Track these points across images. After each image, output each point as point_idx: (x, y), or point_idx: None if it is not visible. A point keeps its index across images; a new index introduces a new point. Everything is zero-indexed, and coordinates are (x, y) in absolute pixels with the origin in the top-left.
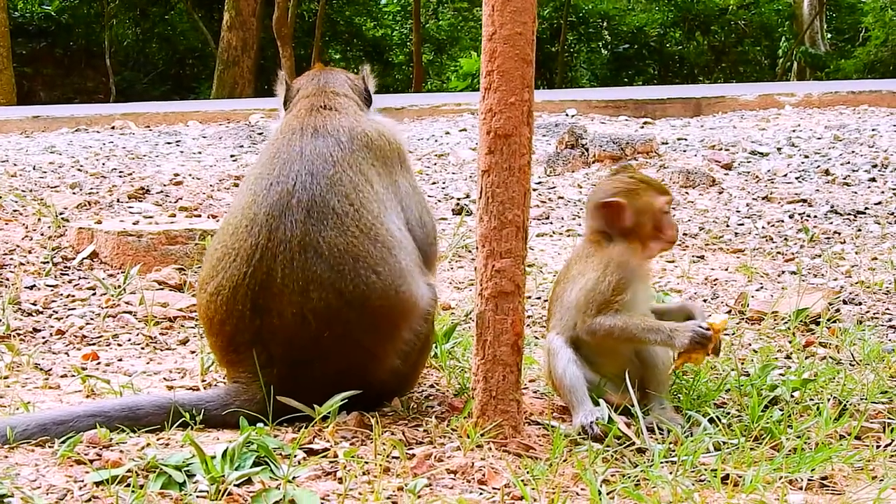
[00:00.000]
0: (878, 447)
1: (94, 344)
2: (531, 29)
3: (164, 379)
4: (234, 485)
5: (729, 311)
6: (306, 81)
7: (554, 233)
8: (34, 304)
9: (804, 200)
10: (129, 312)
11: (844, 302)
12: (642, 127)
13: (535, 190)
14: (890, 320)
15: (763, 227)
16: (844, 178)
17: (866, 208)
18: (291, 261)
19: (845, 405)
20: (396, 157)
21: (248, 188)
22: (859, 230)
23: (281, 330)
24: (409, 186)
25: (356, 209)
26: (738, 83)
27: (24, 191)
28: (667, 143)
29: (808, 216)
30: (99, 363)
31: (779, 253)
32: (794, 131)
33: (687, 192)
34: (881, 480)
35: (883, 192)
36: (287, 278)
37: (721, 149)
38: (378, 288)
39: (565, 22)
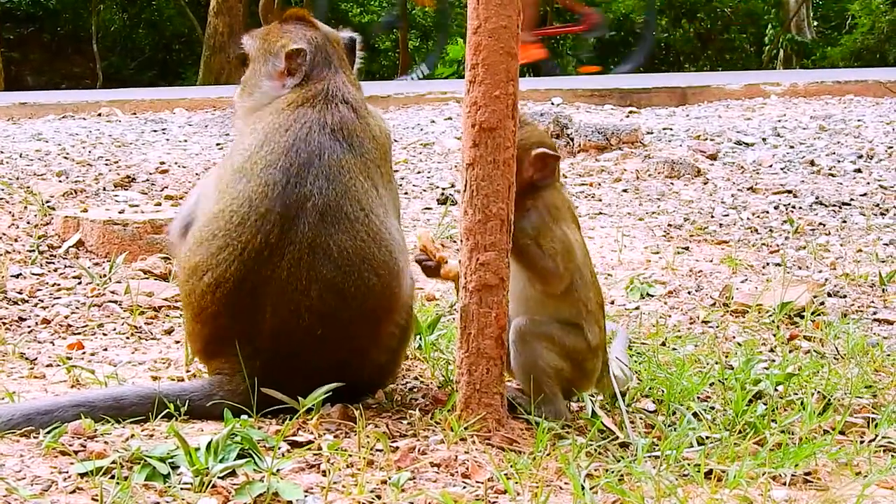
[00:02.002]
0: (862, 442)
1: (79, 333)
2: (516, 22)
3: (149, 369)
4: (219, 477)
5: (713, 304)
6: (319, 60)
7: None
8: (20, 292)
9: (789, 191)
10: (115, 302)
11: (829, 295)
12: (627, 116)
13: None
14: (875, 313)
15: (748, 219)
16: (830, 169)
17: (851, 199)
18: (299, 261)
19: (829, 400)
20: (389, 151)
21: (257, 175)
22: (844, 222)
23: (272, 324)
24: (394, 178)
25: (366, 214)
26: (724, 71)
27: (10, 178)
28: (652, 133)
29: (794, 207)
30: (84, 353)
31: (763, 244)
32: (779, 121)
33: (672, 183)
34: (865, 476)
35: (868, 184)
36: (291, 276)
37: (706, 139)
38: (377, 290)
39: (551, 8)
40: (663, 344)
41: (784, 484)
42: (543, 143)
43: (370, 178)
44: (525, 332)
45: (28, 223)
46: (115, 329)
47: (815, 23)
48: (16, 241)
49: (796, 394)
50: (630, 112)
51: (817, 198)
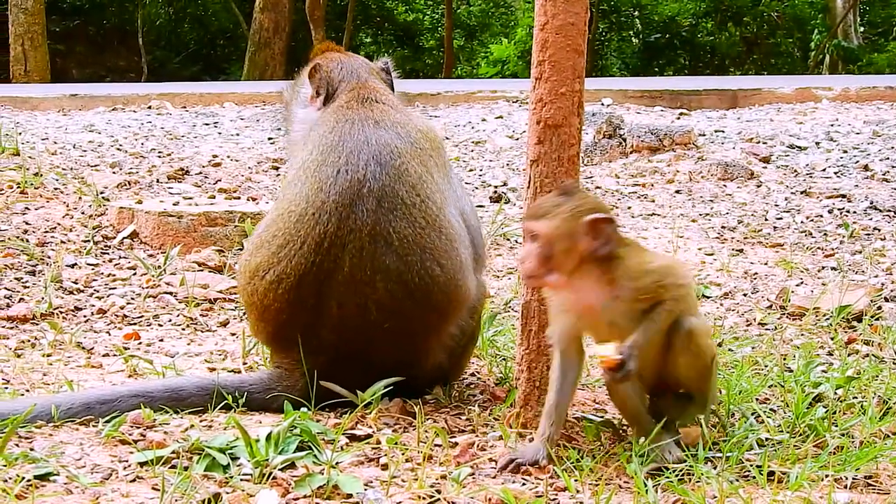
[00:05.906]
0: None
1: (135, 324)
2: (583, 19)
3: (206, 360)
4: (279, 469)
5: (770, 306)
6: (345, 73)
7: None
8: (75, 282)
9: (843, 196)
10: (170, 293)
11: (886, 300)
12: (678, 118)
13: None
14: None
15: (802, 222)
16: (884, 174)
17: None
18: (361, 250)
19: (890, 404)
20: (445, 151)
21: (311, 175)
22: None
23: (339, 319)
24: (456, 177)
25: (422, 199)
26: (770, 75)
27: (64, 169)
28: (704, 135)
29: (848, 212)
30: (140, 343)
31: (818, 248)
32: (832, 125)
33: (725, 185)
34: None
35: None
36: (355, 268)
37: (759, 142)
38: (441, 281)
39: (597, 10)
40: (720, 345)
41: (845, 487)
42: (596, 210)
43: (423, 164)
44: (704, 331)
45: (82, 213)
46: (170, 320)
47: (862, 28)
48: (70, 230)
49: (856, 397)
50: (681, 114)
51: (872, 203)
